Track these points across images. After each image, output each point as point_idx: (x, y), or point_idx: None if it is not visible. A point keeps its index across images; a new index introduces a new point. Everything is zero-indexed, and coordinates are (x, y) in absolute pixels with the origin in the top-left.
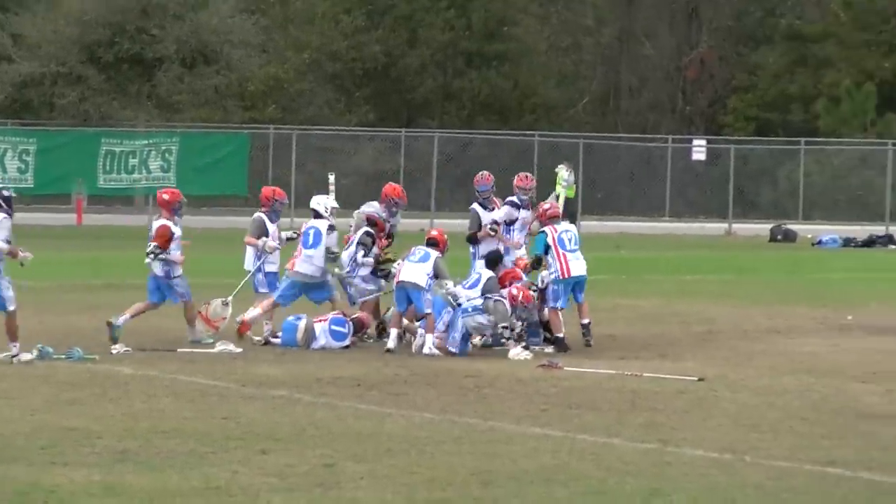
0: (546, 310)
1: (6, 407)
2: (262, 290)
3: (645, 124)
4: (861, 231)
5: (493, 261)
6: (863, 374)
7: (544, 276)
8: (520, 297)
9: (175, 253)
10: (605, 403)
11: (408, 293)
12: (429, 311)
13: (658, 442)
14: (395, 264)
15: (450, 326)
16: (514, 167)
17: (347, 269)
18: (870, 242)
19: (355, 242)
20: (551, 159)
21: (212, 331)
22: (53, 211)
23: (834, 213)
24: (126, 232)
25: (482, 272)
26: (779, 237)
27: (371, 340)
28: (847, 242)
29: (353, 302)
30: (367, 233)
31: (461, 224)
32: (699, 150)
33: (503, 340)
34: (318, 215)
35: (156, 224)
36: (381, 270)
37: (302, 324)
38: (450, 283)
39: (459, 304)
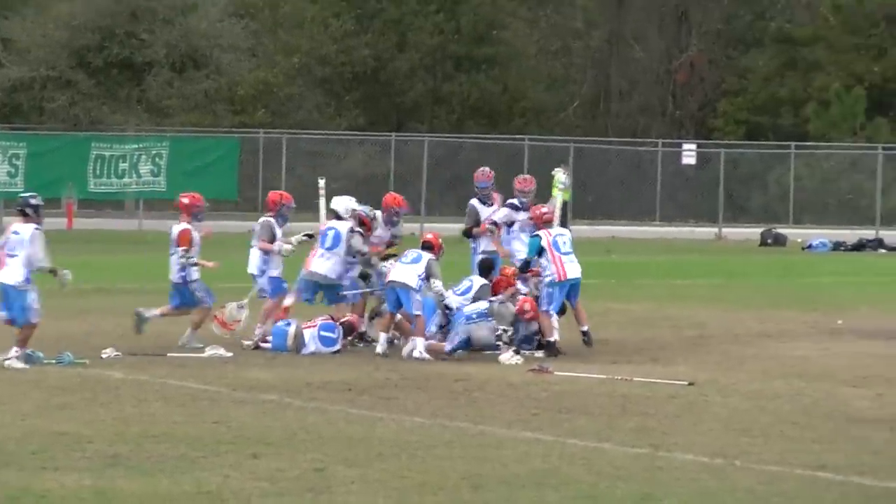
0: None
1: None
2: (265, 294)
3: (635, 128)
4: (851, 235)
5: (487, 268)
6: (853, 378)
7: (537, 281)
8: (529, 313)
9: (212, 266)
10: (596, 408)
11: (398, 294)
12: (418, 313)
13: (649, 446)
14: (385, 264)
15: (449, 330)
16: (504, 171)
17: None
18: (860, 246)
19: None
20: (542, 163)
21: (227, 333)
22: (44, 215)
23: (824, 217)
24: (116, 236)
25: (474, 280)
26: (769, 241)
27: (362, 345)
28: (837, 246)
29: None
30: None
31: (452, 228)
32: (689, 154)
33: (498, 343)
34: (338, 217)
35: (176, 229)
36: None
37: (291, 329)
38: (439, 283)
39: (450, 309)
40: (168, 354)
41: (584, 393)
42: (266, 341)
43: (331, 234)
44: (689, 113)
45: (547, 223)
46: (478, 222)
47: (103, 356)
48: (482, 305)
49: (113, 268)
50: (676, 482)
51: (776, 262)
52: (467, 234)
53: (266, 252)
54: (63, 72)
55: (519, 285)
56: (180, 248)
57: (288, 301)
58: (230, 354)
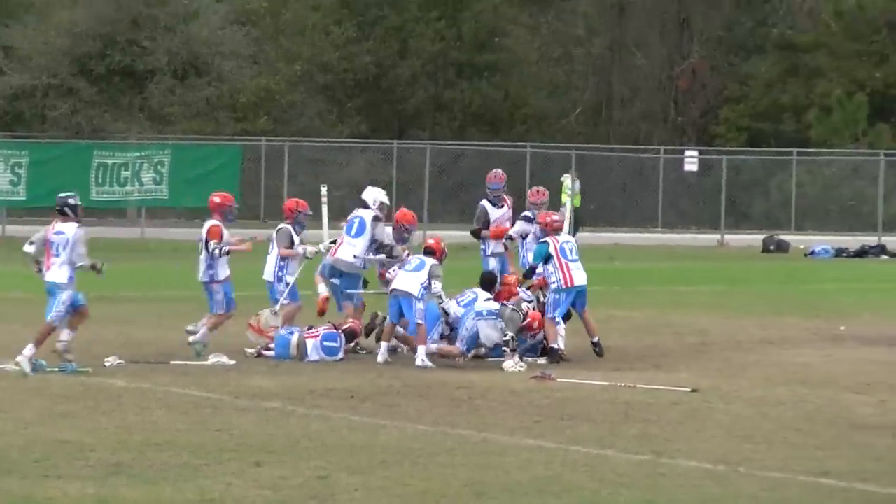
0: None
1: None
2: (285, 300)
3: (637, 135)
4: (853, 241)
5: (490, 282)
6: (856, 384)
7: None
8: (534, 325)
9: (223, 268)
10: (599, 415)
11: (400, 303)
12: (419, 321)
13: (652, 453)
14: (391, 271)
15: (458, 325)
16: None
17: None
18: (862, 253)
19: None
20: (543, 170)
21: (266, 341)
22: (46, 223)
23: (826, 224)
24: (119, 244)
25: (478, 293)
26: (771, 248)
27: (364, 352)
28: (839, 253)
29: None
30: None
31: (455, 235)
32: (691, 160)
33: (504, 349)
34: (365, 206)
35: (206, 225)
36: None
37: (294, 339)
38: (439, 285)
39: (447, 314)
40: (171, 362)
41: (587, 400)
42: (269, 349)
43: (356, 221)
44: (691, 120)
45: (556, 230)
46: (487, 223)
47: (106, 364)
48: (494, 305)
49: (115, 276)
50: (679, 489)
51: (778, 268)
52: (475, 234)
53: (283, 258)
54: (65, 79)
55: (521, 294)
56: (211, 241)
57: (322, 290)
58: (233, 362)
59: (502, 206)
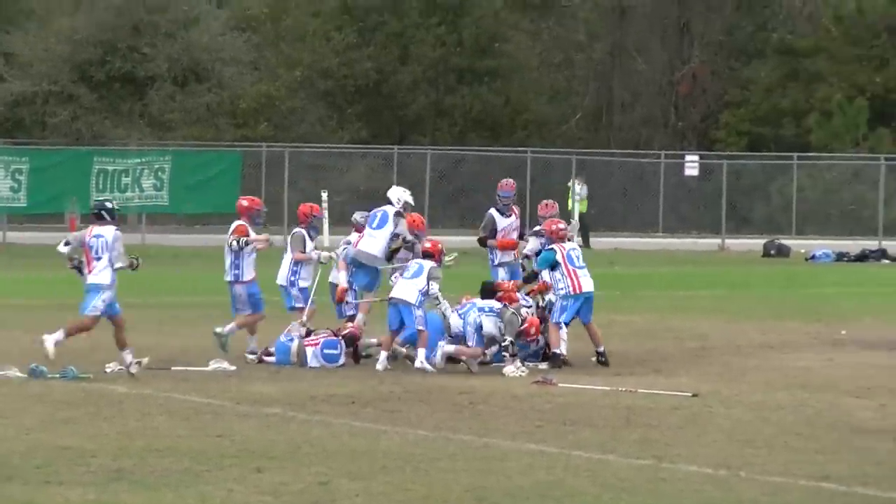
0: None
1: (1, 426)
2: (298, 304)
3: (637, 140)
4: (854, 246)
5: (490, 291)
6: (857, 388)
7: (551, 296)
8: (531, 331)
9: (249, 269)
10: (600, 420)
11: (400, 311)
12: (420, 327)
13: (653, 458)
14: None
15: (462, 333)
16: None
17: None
18: (863, 257)
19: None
20: (544, 175)
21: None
22: (47, 230)
23: (827, 228)
24: None
25: (476, 302)
26: (772, 252)
27: (371, 356)
28: (840, 257)
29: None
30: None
31: (455, 240)
32: (692, 165)
33: (503, 354)
34: (389, 203)
35: (233, 224)
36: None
37: (294, 346)
38: (436, 286)
39: (446, 316)
40: (172, 368)
41: (588, 405)
42: (270, 354)
43: (379, 214)
44: (692, 124)
45: (561, 238)
46: (494, 232)
47: (107, 370)
48: (496, 304)
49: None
50: (680, 494)
51: (779, 272)
52: (482, 243)
53: (297, 263)
54: (65, 86)
55: (521, 301)
56: (232, 237)
57: (342, 279)
58: (234, 368)
59: (510, 215)
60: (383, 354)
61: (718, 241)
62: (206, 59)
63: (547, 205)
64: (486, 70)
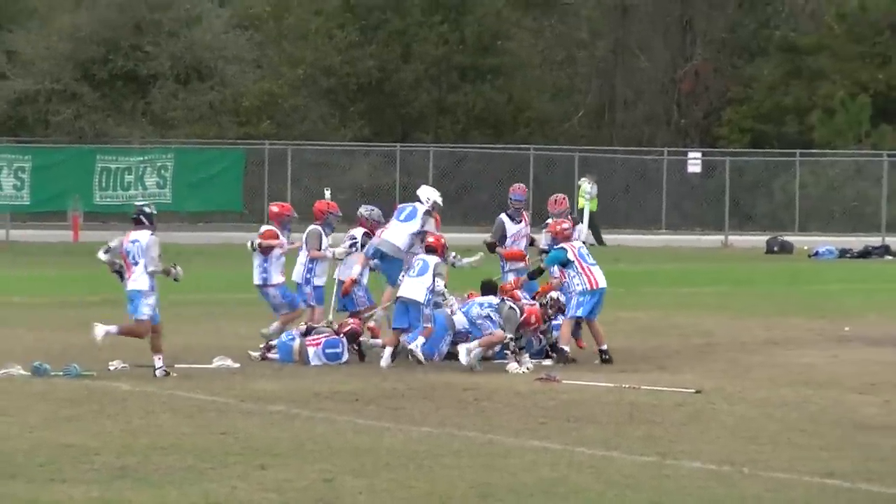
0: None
1: (4, 424)
2: (312, 303)
3: (640, 137)
4: (857, 242)
5: (491, 288)
6: (861, 385)
7: (554, 295)
8: (531, 319)
9: (276, 271)
10: (604, 416)
11: (408, 309)
12: (428, 324)
13: (657, 455)
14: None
15: (469, 330)
16: (509, 181)
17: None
18: (866, 253)
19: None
20: (547, 173)
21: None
22: (50, 228)
23: (830, 225)
24: None
25: (475, 301)
26: (775, 249)
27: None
28: (843, 254)
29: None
30: (365, 233)
31: (458, 237)
32: (695, 162)
33: (506, 353)
34: (419, 200)
35: (262, 228)
36: None
37: (295, 345)
38: (442, 283)
39: (452, 312)
40: (175, 366)
41: (592, 401)
42: (271, 348)
43: (408, 209)
44: (695, 121)
45: (567, 238)
46: (504, 237)
47: (110, 368)
48: (494, 300)
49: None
50: (684, 490)
51: (782, 269)
52: (491, 248)
53: (312, 260)
54: (68, 84)
55: (523, 300)
56: (256, 239)
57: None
58: (237, 365)
59: (520, 220)
60: (388, 351)
61: (722, 237)
62: (209, 57)
63: (557, 200)
64: (489, 68)
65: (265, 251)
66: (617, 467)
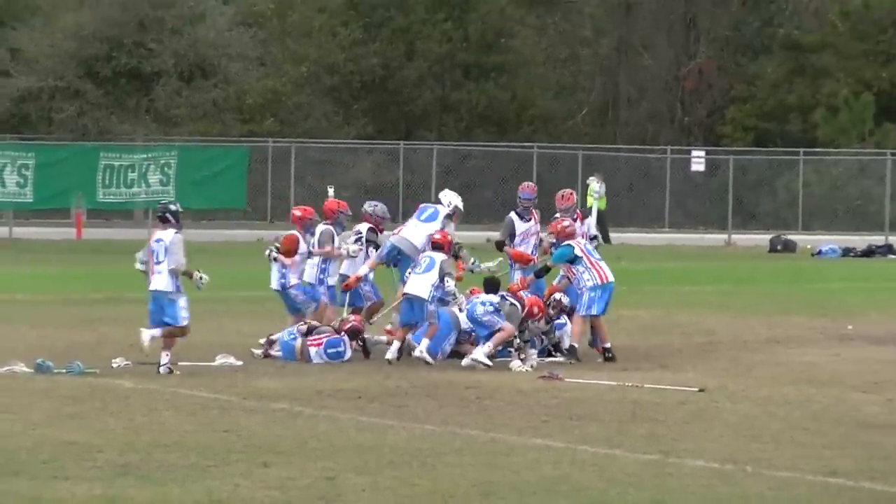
0: (560, 331)
1: (8, 421)
2: (325, 300)
3: (644, 135)
4: (860, 241)
5: (493, 287)
6: (863, 383)
7: (557, 296)
8: (534, 311)
9: (293, 260)
10: (607, 414)
11: (413, 305)
12: (432, 322)
13: (659, 453)
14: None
15: (475, 328)
16: (513, 179)
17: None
18: (869, 252)
19: (364, 241)
20: (550, 171)
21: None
22: (53, 225)
23: (833, 223)
24: (126, 246)
25: (476, 300)
26: (778, 247)
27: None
28: (846, 252)
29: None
30: (370, 229)
31: (461, 235)
32: (698, 160)
33: (510, 350)
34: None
35: (283, 234)
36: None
37: (297, 345)
38: (452, 283)
39: (461, 310)
40: (178, 363)
41: (595, 400)
42: (273, 342)
43: (430, 210)
44: (698, 120)
45: (569, 235)
46: (512, 235)
47: (113, 365)
48: (495, 298)
49: (122, 277)
50: (687, 489)
51: (785, 268)
52: (499, 246)
53: (325, 260)
54: (71, 82)
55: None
56: (275, 244)
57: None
58: (240, 363)
59: (529, 219)
60: (395, 345)
61: (725, 236)
62: (213, 54)
63: (564, 195)
64: (492, 65)
65: (289, 254)
66: (620, 465)
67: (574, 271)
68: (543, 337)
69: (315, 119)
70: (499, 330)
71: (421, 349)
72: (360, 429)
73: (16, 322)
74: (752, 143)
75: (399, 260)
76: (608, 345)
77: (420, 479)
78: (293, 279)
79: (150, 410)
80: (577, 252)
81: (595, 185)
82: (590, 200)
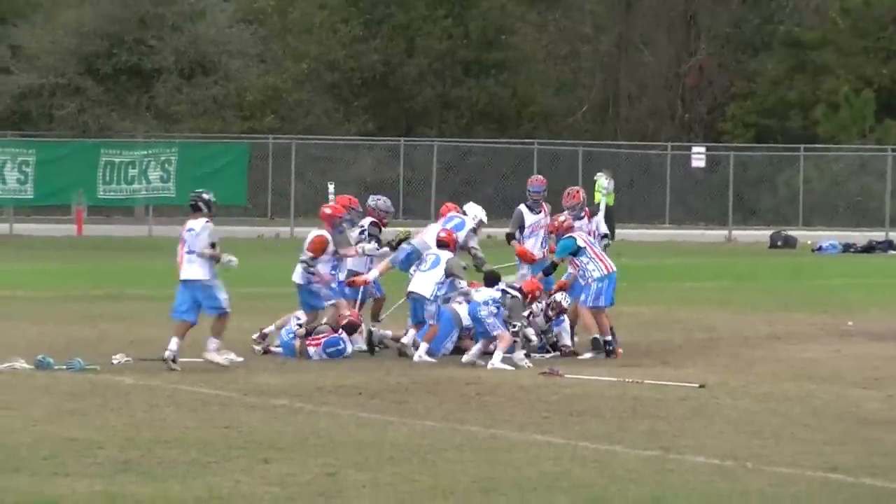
0: (557, 328)
1: (8, 418)
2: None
3: (644, 132)
4: (861, 237)
5: (493, 281)
6: (864, 379)
7: (558, 297)
8: (536, 293)
9: (324, 269)
10: (607, 411)
11: (416, 303)
12: (432, 322)
13: (660, 449)
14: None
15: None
16: (513, 175)
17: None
18: (869, 248)
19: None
20: (551, 168)
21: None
22: (54, 222)
23: (833, 220)
24: (126, 242)
25: (476, 297)
26: (779, 244)
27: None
28: (847, 248)
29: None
30: (372, 223)
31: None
32: (698, 157)
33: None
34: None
35: (312, 234)
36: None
37: (296, 345)
38: (463, 283)
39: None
40: (178, 359)
41: (595, 396)
42: (265, 335)
43: (457, 219)
44: (699, 116)
45: (568, 229)
46: (522, 227)
47: (114, 362)
48: (496, 294)
49: (123, 274)
50: (687, 484)
51: (786, 264)
52: (509, 238)
53: (339, 259)
54: (72, 79)
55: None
56: (308, 253)
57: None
58: (241, 359)
59: (539, 211)
60: (423, 346)
61: (725, 232)
62: (213, 51)
63: (570, 193)
64: (493, 62)
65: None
66: (620, 462)
67: (578, 263)
68: (542, 336)
69: (315, 116)
70: (496, 336)
71: (420, 354)
72: (360, 425)
73: (16, 318)
74: (753, 139)
75: (419, 263)
76: (609, 338)
77: (420, 476)
78: (340, 275)
79: (151, 407)
80: (580, 243)
81: (603, 181)
82: (597, 197)
